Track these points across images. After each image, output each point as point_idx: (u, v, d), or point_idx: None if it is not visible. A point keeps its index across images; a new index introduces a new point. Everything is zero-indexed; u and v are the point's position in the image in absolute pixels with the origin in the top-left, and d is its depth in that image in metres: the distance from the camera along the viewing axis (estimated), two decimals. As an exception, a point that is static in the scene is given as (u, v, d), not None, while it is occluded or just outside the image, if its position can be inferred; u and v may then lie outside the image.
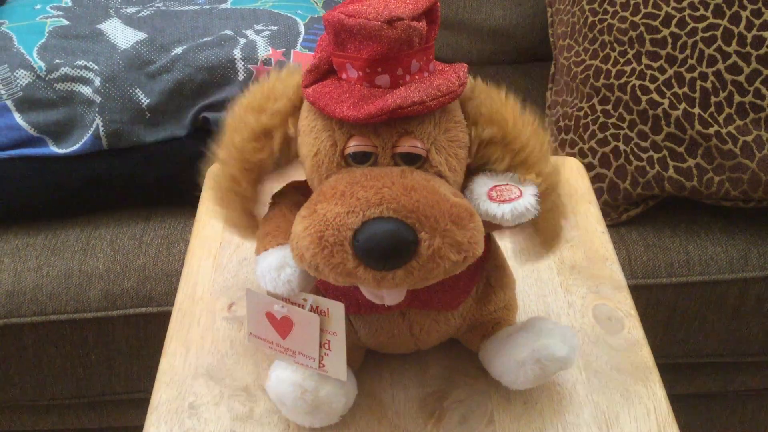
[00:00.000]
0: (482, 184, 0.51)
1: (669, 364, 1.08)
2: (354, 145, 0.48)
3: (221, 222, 0.58)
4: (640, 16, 1.01)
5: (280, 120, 0.52)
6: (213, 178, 0.55)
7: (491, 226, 0.51)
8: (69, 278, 0.96)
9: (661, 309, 1.02)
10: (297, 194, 0.56)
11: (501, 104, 0.52)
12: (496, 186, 0.51)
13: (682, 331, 1.04)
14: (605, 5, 1.05)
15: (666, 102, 0.98)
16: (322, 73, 0.50)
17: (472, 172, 0.53)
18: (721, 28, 0.97)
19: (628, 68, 1.01)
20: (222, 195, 0.55)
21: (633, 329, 0.65)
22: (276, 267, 0.50)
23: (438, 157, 0.49)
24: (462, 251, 0.45)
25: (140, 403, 1.04)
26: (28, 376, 0.99)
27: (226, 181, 0.54)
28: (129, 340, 0.97)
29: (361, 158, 0.48)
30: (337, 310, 0.52)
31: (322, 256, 0.45)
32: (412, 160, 0.48)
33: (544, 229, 0.54)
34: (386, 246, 0.44)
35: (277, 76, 0.53)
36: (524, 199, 0.50)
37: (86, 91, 0.97)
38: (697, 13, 0.98)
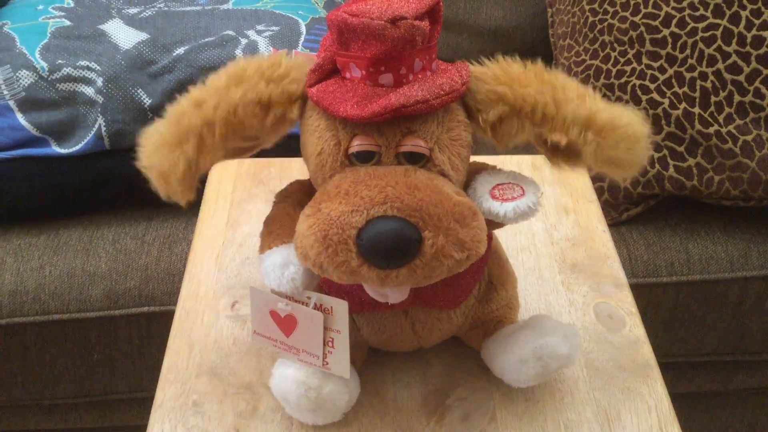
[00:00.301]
0: (485, 183, 0.52)
1: (669, 363, 1.08)
2: (358, 144, 0.48)
3: (149, 155, 0.51)
4: (640, 16, 1.01)
5: (287, 99, 0.50)
6: (177, 111, 0.50)
7: (494, 224, 0.52)
8: (71, 278, 0.96)
9: (662, 308, 1.02)
10: (301, 193, 0.56)
11: (495, 80, 0.50)
12: (498, 185, 0.51)
13: (683, 330, 1.05)
14: (605, 5, 1.05)
15: (666, 101, 0.98)
16: (326, 72, 0.50)
17: (474, 170, 0.53)
18: (720, 28, 0.97)
19: (628, 68, 1.01)
20: (181, 131, 0.50)
21: (634, 327, 0.65)
22: (280, 265, 0.51)
23: (441, 156, 0.49)
24: (465, 249, 0.46)
25: (143, 402, 1.04)
26: (30, 376, 0.99)
27: (196, 119, 0.49)
28: (131, 340, 0.98)
29: (365, 157, 0.49)
30: (340, 308, 0.52)
31: (326, 254, 0.45)
32: (416, 159, 0.49)
33: (611, 163, 0.50)
34: (390, 244, 0.44)
35: (295, 60, 0.52)
36: (527, 198, 0.50)
37: (88, 91, 0.98)
38: (697, 13, 0.98)
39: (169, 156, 0.50)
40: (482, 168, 0.54)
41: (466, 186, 0.52)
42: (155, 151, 0.50)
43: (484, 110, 0.50)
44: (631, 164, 0.50)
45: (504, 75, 0.50)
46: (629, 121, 0.49)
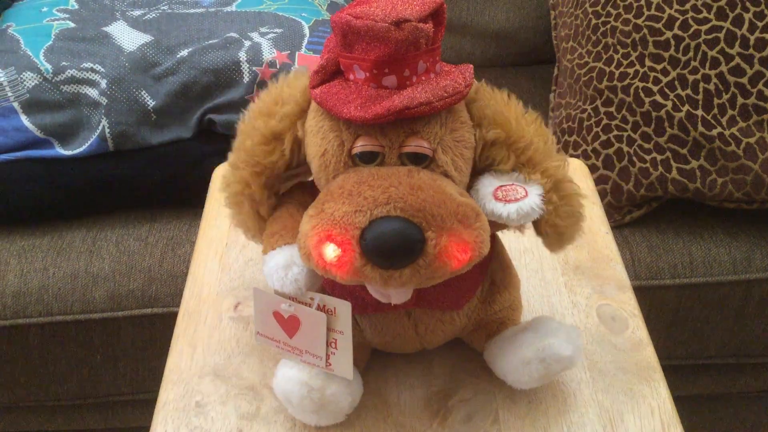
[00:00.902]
0: (488, 184, 0.52)
1: (672, 366, 1.08)
2: (361, 145, 0.48)
3: (232, 223, 0.58)
4: (643, 18, 1.01)
5: (289, 123, 0.52)
6: (224, 182, 0.56)
7: (497, 225, 0.52)
8: (75, 279, 0.96)
9: (665, 310, 1.02)
10: (304, 194, 0.56)
11: (504, 105, 0.52)
12: (501, 186, 0.51)
13: (686, 333, 1.05)
14: (608, 8, 1.05)
15: (669, 104, 0.98)
16: (330, 74, 0.50)
17: (477, 172, 0.53)
18: (723, 31, 0.97)
19: (631, 70, 1.01)
20: (232, 198, 0.56)
21: (637, 329, 0.65)
22: (283, 266, 0.51)
23: (444, 157, 0.49)
24: (468, 250, 0.46)
25: (145, 403, 1.04)
26: (33, 377, 0.99)
27: (237, 185, 0.54)
28: (134, 341, 0.98)
29: (369, 158, 0.49)
30: (344, 308, 0.52)
31: (329, 254, 0.45)
32: (419, 159, 0.49)
33: (553, 228, 0.54)
34: (393, 245, 0.44)
35: (285, 80, 0.54)
36: (530, 199, 0.50)
37: (92, 93, 0.98)
38: (700, 16, 0.98)
39: (239, 219, 0.57)
40: (484, 170, 0.54)
41: (469, 187, 0.52)
42: (229, 216, 0.58)
43: (486, 126, 0.52)
44: (565, 238, 0.55)
45: (510, 107, 0.53)
46: (582, 203, 0.55)
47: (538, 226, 0.54)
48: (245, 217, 0.56)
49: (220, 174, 0.82)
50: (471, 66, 0.51)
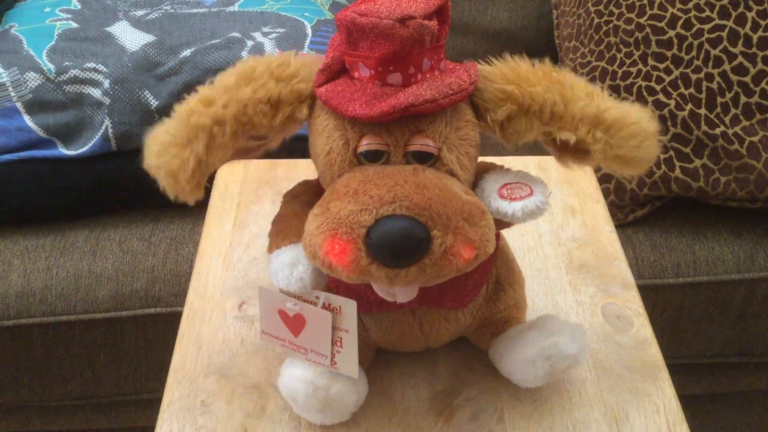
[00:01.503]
0: (493, 182, 0.52)
1: (676, 365, 1.08)
2: (366, 144, 0.48)
3: (158, 155, 0.51)
4: (645, 17, 1.01)
5: (296, 98, 0.51)
6: (185, 110, 0.50)
7: (502, 223, 0.52)
8: (78, 279, 0.96)
9: (668, 309, 1.02)
10: (309, 193, 0.56)
11: (502, 79, 0.51)
12: (506, 184, 0.51)
13: (689, 332, 1.04)
14: (611, 7, 1.05)
15: (672, 103, 0.98)
16: (334, 72, 0.50)
17: (482, 170, 0.53)
18: (726, 29, 0.97)
19: (634, 69, 1.01)
20: (191, 129, 0.50)
21: (642, 328, 0.65)
22: (289, 265, 0.51)
23: (449, 156, 0.49)
24: (474, 249, 0.46)
25: (149, 403, 1.04)
26: (37, 377, 0.99)
27: (206, 119, 0.49)
28: (138, 341, 0.98)
29: (374, 156, 0.49)
30: (349, 307, 0.52)
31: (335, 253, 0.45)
32: (424, 158, 0.49)
33: (620, 161, 0.50)
34: (399, 243, 0.44)
35: (304, 60, 0.52)
36: (535, 197, 0.50)
37: (95, 93, 0.98)
38: (703, 15, 0.98)
39: (178, 155, 0.50)
40: (490, 167, 0.55)
41: (474, 185, 0.52)
42: (164, 150, 0.50)
43: (492, 109, 0.50)
44: (640, 162, 0.50)
45: (512, 74, 0.50)
46: (638, 118, 0.50)
47: (608, 164, 0.50)
48: (189, 153, 0.50)
49: (223, 173, 0.82)
50: (476, 64, 0.51)
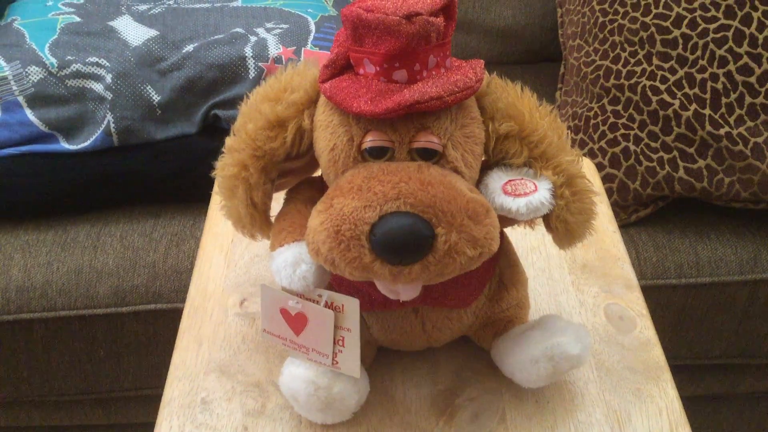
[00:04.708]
0: (497, 179, 0.51)
1: (677, 366, 1.07)
2: (371, 140, 0.48)
3: (221, 211, 0.57)
4: (650, 16, 1.01)
5: (295, 111, 0.52)
6: (219, 165, 0.54)
7: (506, 220, 0.51)
8: (79, 274, 0.96)
9: (670, 310, 1.02)
10: (312, 190, 0.56)
11: (517, 98, 0.52)
12: (511, 180, 0.51)
13: (691, 333, 1.04)
14: (616, 6, 1.05)
15: (677, 103, 0.98)
16: (339, 68, 0.50)
17: (487, 167, 0.53)
18: (732, 29, 0.96)
19: (638, 69, 1.00)
20: (228, 182, 0.54)
21: (645, 329, 0.65)
22: (291, 263, 0.50)
23: (454, 153, 0.49)
24: (478, 246, 0.45)
25: (148, 399, 1.04)
26: (36, 372, 0.99)
27: (234, 168, 0.53)
28: (138, 337, 0.97)
29: (378, 153, 0.48)
30: (351, 305, 0.52)
31: (338, 250, 0.45)
32: (429, 155, 0.48)
33: (563, 224, 0.53)
34: (403, 240, 0.44)
35: (295, 69, 0.54)
36: (539, 194, 0.50)
37: (97, 87, 0.98)
38: (708, 14, 0.98)
39: (232, 208, 0.55)
40: (494, 164, 0.54)
41: (478, 182, 0.52)
42: (222, 206, 0.56)
43: (498, 120, 0.51)
44: (575, 235, 0.54)
45: (523, 100, 0.52)
46: (594, 200, 0.54)
47: (548, 221, 0.53)
48: (238, 203, 0.54)
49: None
50: (482, 61, 0.50)
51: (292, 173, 0.57)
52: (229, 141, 0.54)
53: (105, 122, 0.97)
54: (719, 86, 0.97)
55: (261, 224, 0.55)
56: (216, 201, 0.78)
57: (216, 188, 0.55)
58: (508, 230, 0.59)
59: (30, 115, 0.97)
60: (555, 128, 0.52)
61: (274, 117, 0.51)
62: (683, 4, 0.99)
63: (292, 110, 0.52)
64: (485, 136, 0.51)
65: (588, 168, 0.83)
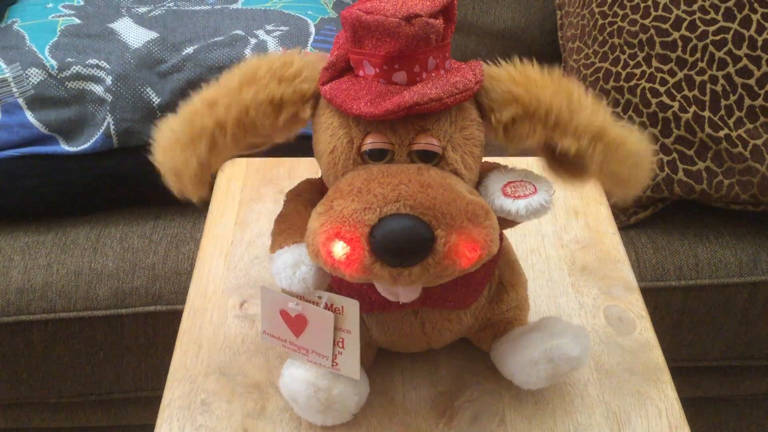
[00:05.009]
0: (497, 181, 0.51)
1: (677, 368, 1.07)
2: (371, 142, 0.48)
3: (158, 156, 0.52)
4: (650, 19, 1.01)
5: (299, 98, 0.50)
6: (187, 110, 0.51)
7: (505, 223, 0.51)
8: (79, 276, 0.96)
9: (670, 312, 1.02)
10: (312, 192, 0.56)
11: (510, 81, 0.50)
12: (510, 182, 0.51)
13: (691, 335, 1.04)
14: (615, 8, 1.05)
15: (676, 105, 0.98)
16: (339, 70, 0.50)
17: (486, 169, 0.53)
18: (731, 32, 0.97)
19: (638, 71, 1.01)
20: (191, 130, 0.50)
21: (644, 330, 0.65)
22: (291, 265, 0.50)
23: (454, 155, 0.49)
24: (478, 249, 0.46)
25: (148, 401, 1.04)
26: (36, 374, 0.99)
27: (207, 119, 0.49)
28: (138, 338, 0.97)
29: (378, 155, 0.48)
30: (351, 307, 0.52)
31: (338, 252, 0.45)
32: (429, 157, 0.48)
33: (614, 178, 0.51)
34: (403, 242, 0.44)
35: (307, 59, 0.52)
36: (539, 195, 0.50)
37: (97, 89, 0.98)
38: (708, 17, 0.98)
39: (181, 154, 0.50)
40: (494, 167, 0.54)
41: (478, 184, 0.52)
42: (168, 148, 0.51)
43: (497, 110, 0.50)
44: (633, 182, 0.51)
45: (520, 76, 0.50)
46: (638, 139, 0.50)
47: (602, 184, 0.51)
48: (190, 156, 0.50)
49: (225, 172, 0.82)
50: (481, 63, 0.50)
51: (258, 146, 0.54)
52: (210, 91, 0.50)
53: (105, 124, 0.98)
54: (718, 88, 0.97)
55: (199, 183, 0.51)
56: (219, 206, 0.78)
57: (164, 128, 0.51)
58: (507, 232, 0.59)
59: (30, 116, 0.97)
60: (559, 93, 0.49)
61: (279, 97, 0.50)
62: (683, 7, 0.99)
63: (297, 97, 0.50)
64: (492, 130, 0.50)
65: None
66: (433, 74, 0.48)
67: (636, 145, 0.50)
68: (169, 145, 0.51)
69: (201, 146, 0.49)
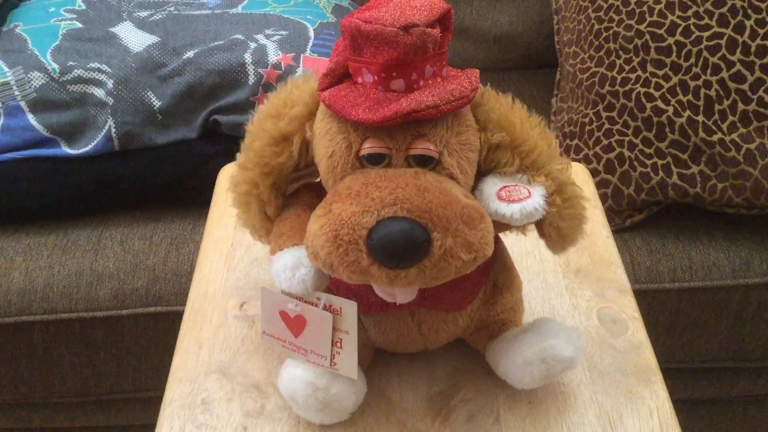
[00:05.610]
0: (492, 185, 0.52)
1: (671, 369, 1.08)
2: (369, 147, 0.49)
3: (239, 223, 0.59)
4: (645, 24, 1.02)
5: (297, 125, 0.53)
6: (232, 182, 0.57)
7: (500, 226, 0.52)
8: (80, 277, 0.97)
9: (664, 314, 1.02)
10: (311, 195, 0.57)
11: (508, 109, 0.53)
12: (505, 186, 0.52)
13: (684, 337, 1.05)
14: (611, 13, 1.06)
15: (670, 109, 0.99)
16: (338, 77, 0.51)
17: (482, 173, 0.54)
18: (725, 37, 0.98)
19: (633, 76, 1.02)
20: (240, 198, 0.56)
21: (637, 332, 0.66)
22: (291, 266, 0.52)
23: (450, 160, 0.50)
24: (473, 251, 0.47)
25: (148, 401, 1.05)
26: (37, 374, 1.00)
27: (245, 185, 0.55)
28: (138, 339, 0.98)
29: (376, 160, 0.49)
30: (350, 308, 0.53)
31: (336, 254, 0.46)
32: (425, 162, 0.49)
33: (555, 230, 0.54)
34: (400, 245, 0.45)
35: (293, 83, 0.55)
36: (533, 200, 0.51)
37: (99, 93, 0.99)
38: (702, 22, 0.99)
39: (246, 219, 0.58)
40: (488, 172, 0.55)
41: (473, 188, 0.53)
42: (238, 217, 0.58)
43: (491, 130, 0.52)
44: (569, 240, 0.55)
45: (515, 111, 0.53)
46: (585, 206, 0.55)
47: (541, 227, 0.54)
48: (252, 218, 0.57)
49: (226, 174, 0.83)
50: (477, 71, 0.52)
51: (303, 179, 0.59)
52: (239, 158, 0.56)
53: (106, 127, 0.98)
54: (712, 93, 0.98)
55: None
56: (219, 208, 0.79)
57: (231, 203, 0.58)
58: (502, 235, 0.60)
59: (32, 119, 0.98)
60: (544, 138, 0.53)
61: (278, 133, 0.53)
62: (677, 13, 1.00)
63: (294, 124, 0.53)
64: (479, 145, 0.52)
65: (582, 173, 0.84)
66: (430, 82, 0.49)
67: (584, 210, 0.55)
68: (238, 214, 0.58)
69: (253, 207, 0.56)
